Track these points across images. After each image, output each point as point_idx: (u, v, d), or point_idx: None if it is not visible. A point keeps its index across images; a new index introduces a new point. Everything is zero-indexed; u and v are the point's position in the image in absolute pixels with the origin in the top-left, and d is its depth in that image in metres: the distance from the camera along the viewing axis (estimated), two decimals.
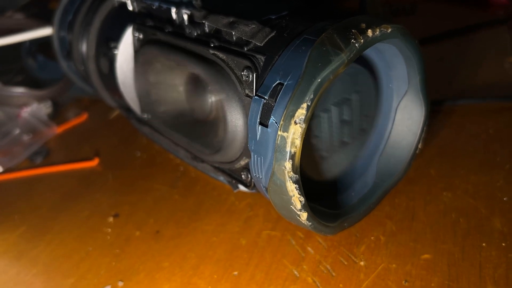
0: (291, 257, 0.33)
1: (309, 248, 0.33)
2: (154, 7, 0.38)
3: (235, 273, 0.32)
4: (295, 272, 0.32)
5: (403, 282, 0.30)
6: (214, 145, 0.35)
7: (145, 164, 0.46)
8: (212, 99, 0.37)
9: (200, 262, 0.33)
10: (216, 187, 0.41)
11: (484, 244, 0.31)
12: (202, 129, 0.38)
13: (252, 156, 0.29)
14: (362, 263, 0.31)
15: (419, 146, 0.36)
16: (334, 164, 0.32)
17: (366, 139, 0.36)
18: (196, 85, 0.38)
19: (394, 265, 0.31)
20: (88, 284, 0.33)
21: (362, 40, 0.27)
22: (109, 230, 0.38)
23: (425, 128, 0.36)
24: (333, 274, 0.31)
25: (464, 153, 0.40)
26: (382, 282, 0.30)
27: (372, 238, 0.33)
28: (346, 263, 0.32)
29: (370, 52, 0.32)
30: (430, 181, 0.38)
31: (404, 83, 0.34)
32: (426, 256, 0.31)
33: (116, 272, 0.34)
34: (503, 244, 0.31)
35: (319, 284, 0.30)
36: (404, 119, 0.36)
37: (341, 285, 0.30)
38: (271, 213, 0.37)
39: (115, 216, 0.39)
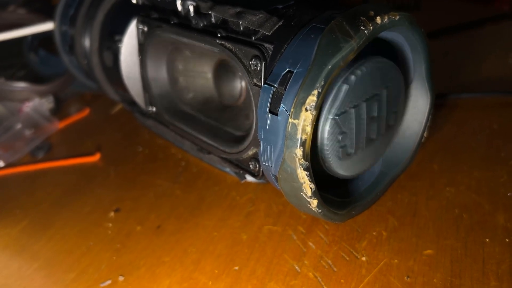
0: (292, 252, 0.33)
1: (310, 243, 0.33)
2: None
3: (236, 268, 0.32)
4: (296, 267, 0.31)
5: (405, 277, 0.29)
6: (246, 127, 0.35)
7: (146, 159, 0.46)
8: (242, 83, 0.37)
9: (201, 257, 0.33)
10: (218, 182, 0.41)
11: (487, 240, 0.31)
12: (231, 113, 0.38)
13: (261, 145, 0.29)
14: (363, 258, 0.31)
15: (424, 134, 0.36)
16: (359, 161, 0.32)
17: (393, 136, 0.36)
18: (225, 70, 0.38)
19: (396, 261, 0.31)
20: (89, 279, 0.33)
21: (371, 27, 0.27)
22: (110, 225, 0.38)
23: (430, 117, 0.35)
24: (335, 269, 0.31)
25: (468, 148, 0.40)
26: (384, 278, 0.30)
27: (374, 233, 0.33)
28: (347, 258, 0.31)
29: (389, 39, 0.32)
30: (433, 176, 0.37)
31: (410, 72, 0.34)
32: (428, 251, 0.31)
33: (117, 267, 0.34)
34: (507, 240, 0.31)
35: (320, 279, 0.30)
36: (410, 107, 0.36)
37: (342, 280, 0.30)
38: (272, 208, 0.37)
39: (116, 211, 0.39)
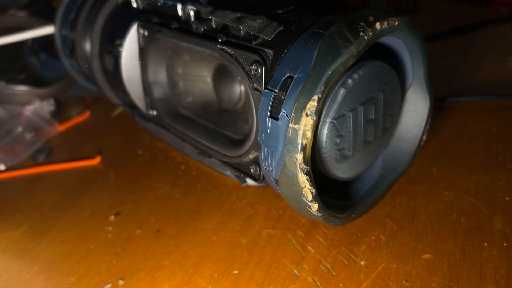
0: (291, 256, 0.33)
1: (309, 247, 0.33)
2: (159, 4, 0.38)
3: (235, 272, 0.32)
4: (295, 272, 0.32)
5: (404, 282, 0.30)
6: (244, 131, 0.35)
7: (146, 163, 0.46)
8: (241, 88, 0.38)
9: (201, 261, 0.33)
10: (217, 186, 0.41)
11: (485, 244, 0.31)
12: (230, 117, 0.39)
13: (262, 149, 0.30)
14: (362, 262, 0.31)
15: (424, 138, 0.36)
16: (356, 163, 0.33)
17: (389, 138, 0.36)
18: (225, 75, 0.38)
19: (394, 265, 0.31)
20: (89, 283, 0.33)
21: (370, 33, 0.27)
22: (110, 228, 0.38)
23: (429, 120, 0.36)
24: (333, 273, 0.31)
25: (466, 152, 0.40)
26: (382, 282, 0.30)
27: (372, 237, 0.33)
28: (346, 262, 0.32)
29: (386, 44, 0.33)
30: (432, 180, 0.37)
31: (408, 76, 0.35)
32: (426, 256, 0.31)
33: (117, 271, 0.34)
34: (505, 244, 0.31)
35: (319, 284, 0.30)
36: (409, 111, 0.36)
37: (341, 284, 0.30)
38: (271, 212, 0.37)
39: (117, 214, 0.39)
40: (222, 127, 0.39)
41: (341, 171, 0.32)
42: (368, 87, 0.30)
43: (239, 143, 0.35)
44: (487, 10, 0.70)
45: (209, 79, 0.41)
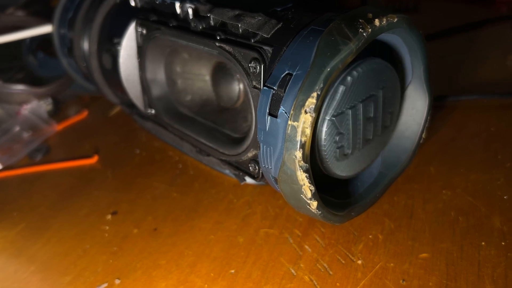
0: (288, 255, 0.33)
1: (306, 246, 0.33)
2: (158, 2, 0.38)
3: (232, 271, 0.32)
4: (292, 271, 0.31)
5: (401, 281, 0.29)
6: (243, 129, 0.35)
7: (144, 162, 0.46)
8: (240, 86, 0.37)
9: (197, 260, 0.33)
10: (215, 185, 0.41)
11: (483, 243, 0.31)
12: (229, 115, 0.39)
13: (261, 147, 0.29)
14: (359, 261, 0.31)
15: (423, 135, 0.36)
16: (356, 161, 0.33)
17: (389, 137, 0.36)
18: (223, 73, 0.38)
19: (392, 264, 0.31)
20: (85, 282, 0.33)
21: (369, 30, 0.27)
22: (107, 227, 0.38)
23: (428, 118, 0.36)
24: (330, 272, 0.31)
25: (465, 151, 0.40)
26: (379, 281, 0.30)
27: (370, 236, 0.33)
28: (343, 261, 0.31)
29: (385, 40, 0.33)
30: (430, 179, 0.37)
31: (408, 74, 0.34)
32: (424, 255, 0.31)
33: (113, 270, 0.34)
34: (503, 243, 0.31)
35: (316, 283, 0.30)
36: (408, 109, 0.36)
37: (338, 284, 0.30)
38: (269, 211, 0.37)
39: (114, 213, 0.39)
40: (221, 126, 0.39)
41: (340, 169, 0.32)
42: (367, 85, 0.30)
43: (238, 141, 0.35)
44: (487, 9, 0.69)
45: (208, 78, 0.41)
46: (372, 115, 0.32)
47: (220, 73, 0.39)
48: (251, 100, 0.31)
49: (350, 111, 0.30)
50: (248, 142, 0.33)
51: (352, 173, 0.33)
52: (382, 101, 0.32)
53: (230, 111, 0.40)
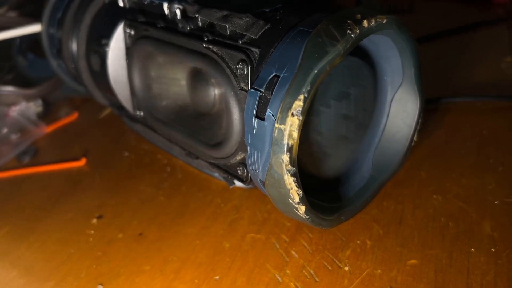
0: (274, 261, 0.32)
1: (293, 252, 0.32)
2: (146, 3, 0.38)
3: (217, 277, 0.31)
4: (278, 277, 0.31)
5: None
6: (219, 136, 0.34)
7: (132, 165, 0.45)
8: (215, 92, 0.37)
9: (182, 266, 0.33)
10: (202, 189, 0.40)
11: (473, 250, 0.30)
12: (205, 121, 0.38)
13: (248, 150, 0.29)
14: (346, 268, 0.31)
15: (414, 138, 0.35)
16: (335, 160, 0.32)
17: (365, 134, 0.35)
18: (198, 78, 0.38)
19: (379, 271, 0.30)
20: None
21: (358, 31, 0.27)
22: (92, 232, 0.37)
23: (420, 120, 0.35)
24: (317, 279, 0.30)
25: (457, 155, 0.39)
26: None
27: (358, 242, 0.32)
28: (330, 268, 0.31)
29: (366, 44, 0.32)
30: (420, 183, 0.37)
31: (398, 76, 0.34)
32: (412, 261, 0.30)
33: (97, 275, 0.33)
34: (493, 250, 0.30)
35: None
36: (399, 111, 0.35)
37: None
38: (257, 215, 0.36)
39: (99, 217, 0.38)
40: (197, 133, 0.38)
41: (317, 168, 0.31)
42: (341, 82, 0.30)
43: (216, 146, 0.34)
44: (483, 11, 0.69)
45: (183, 82, 0.40)
46: (346, 112, 0.31)
47: (195, 78, 0.39)
48: (231, 105, 0.30)
49: (325, 110, 0.29)
50: (233, 145, 0.32)
51: (330, 173, 0.33)
52: (357, 99, 0.32)
53: (206, 117, 0.39)
